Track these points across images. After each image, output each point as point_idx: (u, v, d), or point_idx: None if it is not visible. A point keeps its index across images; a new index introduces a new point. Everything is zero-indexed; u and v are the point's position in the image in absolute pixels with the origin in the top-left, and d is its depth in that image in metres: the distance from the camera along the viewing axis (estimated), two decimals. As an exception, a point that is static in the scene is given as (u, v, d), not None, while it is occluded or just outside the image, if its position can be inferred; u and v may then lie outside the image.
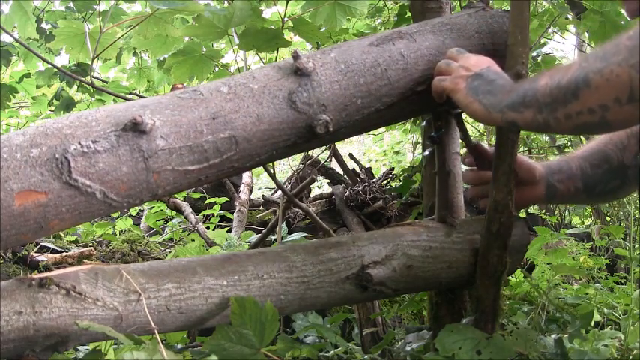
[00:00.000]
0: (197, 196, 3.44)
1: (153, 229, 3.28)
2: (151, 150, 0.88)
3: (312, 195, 3.51)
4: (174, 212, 3.18)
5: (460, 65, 1.03)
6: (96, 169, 0.85)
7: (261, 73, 1.00)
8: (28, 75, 3.25)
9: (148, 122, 0.88)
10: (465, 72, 1.01)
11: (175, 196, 3.30)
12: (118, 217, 3.12)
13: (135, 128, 0.87)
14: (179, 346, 1.26)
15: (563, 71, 0.85)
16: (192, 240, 2.62)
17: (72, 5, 2.76)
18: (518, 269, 1.82)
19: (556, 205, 3.65)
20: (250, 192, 3.31)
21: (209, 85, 0.98)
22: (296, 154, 1.12)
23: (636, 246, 2.00)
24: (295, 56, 0.99)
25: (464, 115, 1.17)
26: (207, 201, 3.15)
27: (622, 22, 1.86)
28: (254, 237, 2.22)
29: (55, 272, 0.85)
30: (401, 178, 2.93)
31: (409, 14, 1.76)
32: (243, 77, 0.99)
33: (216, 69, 1.80)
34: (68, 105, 3.08)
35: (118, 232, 2.91)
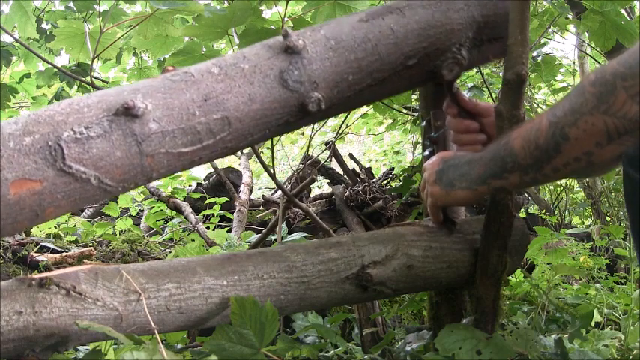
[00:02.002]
0: (197, 196, 3.43)
1: (153, 229, 3.27)
2: (144, 134, 0.88)
3: (312, 195, 3.51)
4: (175, 212, 3.18)
5: (426, 177, 1.10)
6: (90, 154, 0.84)
7: (252, 53, 0.99)
8: (28, 75, 3.25)
9: (140, 106, 0.87)
10: (432, 178, 1.08)
11: (175, 196, 3.31)
12: (118, 218, 3.12)
13: (127, 112, 0.87)
14: (179, 346, 1.26)
15: (534, 131, 0.88)
16: (192, 240, 2.63)
17: (72, 5, 2.77)
18: (518, 269, 1.82)
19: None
20: (250, 192, 3.31)
21: (200, 66, 0.97)
22: (289, 132, 1.12)
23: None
24: (285, 34, 0.98)
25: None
26: (207, 201, 3.15)
27: (622, 22, 1.86)
28: (254, 237, 2.22)
29: (55, 272, 0.85)
30: (401, 178, 2.93)
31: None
32: (234, 57, 0.98)
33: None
34: (68, 105, 3.08)
35: (118, 232, 2.91)
